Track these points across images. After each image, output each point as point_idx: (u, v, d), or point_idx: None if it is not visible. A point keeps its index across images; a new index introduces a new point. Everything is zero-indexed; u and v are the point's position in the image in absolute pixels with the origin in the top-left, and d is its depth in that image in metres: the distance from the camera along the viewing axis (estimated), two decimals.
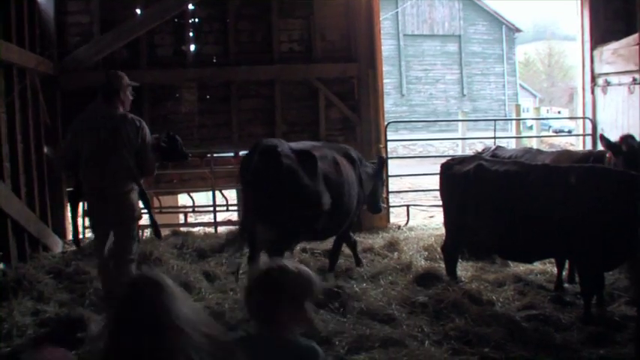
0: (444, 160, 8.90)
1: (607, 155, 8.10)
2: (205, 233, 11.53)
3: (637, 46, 11.28)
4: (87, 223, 12.11)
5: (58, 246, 10.39)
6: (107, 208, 6.93)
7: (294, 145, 7.85)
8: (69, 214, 11.88)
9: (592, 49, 13.21)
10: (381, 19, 12.98)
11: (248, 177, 7.27)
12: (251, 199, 7.37)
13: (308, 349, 3.19)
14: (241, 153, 12.90)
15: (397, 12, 41.46)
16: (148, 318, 2.41)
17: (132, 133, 6.94)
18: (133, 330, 2.40)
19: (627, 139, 7.96)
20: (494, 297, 7.31)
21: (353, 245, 9.02)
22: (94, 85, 11.49)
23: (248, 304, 3.25)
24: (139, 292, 2.50)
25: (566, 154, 9.15)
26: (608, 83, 12.81)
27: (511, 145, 25.41)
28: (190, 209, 12.88)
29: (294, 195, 7.21)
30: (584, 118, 13.74)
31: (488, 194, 7.30)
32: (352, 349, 5.82)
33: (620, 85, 12.38)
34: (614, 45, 12.53)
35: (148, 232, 12.05)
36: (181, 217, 13.20)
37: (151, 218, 7.52)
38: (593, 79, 13.29)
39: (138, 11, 11.76)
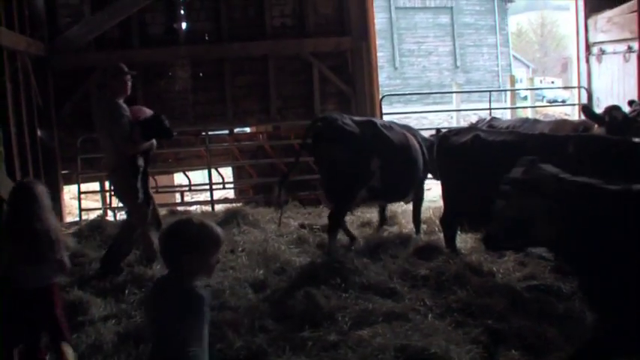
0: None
1: (595, 126, 8.11)
2: (202, 212, 11.49)
3: (632, 14, 11.22)
4: (84, 204, 12.16)
5: None
6: None
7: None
8: (65, 197, 11.87)
9: (586, 17, 13.16)
10: None
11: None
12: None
13: (196, 295, 3.47)
14: (236, 130, 12.87)
15: None
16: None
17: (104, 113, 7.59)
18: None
19: (612, 110, 8.04)
20: (494, 268, 7.28)
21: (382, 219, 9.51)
22: (86, 65, 11.52)
23: (161, 251, 3.64)
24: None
25: (562, 123, 9.13)
26: (602, 52, 12.76)
27: (506, 115, 25.33)
28: (187, 188, 12.83)
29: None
30: (579, 87, 13.72)
31: (486, 165, 7.24)
32: (355, 324, 5.79)
33: (615, 53, 12.34)
34: (608, 13, 12.47)
35: None
36: (177, 196, 13.16)
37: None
38: (588, 47, 13.25)
39: None
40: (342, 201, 8.10)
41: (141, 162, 7.71)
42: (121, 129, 7.41)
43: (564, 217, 4.17)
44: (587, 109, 8.02)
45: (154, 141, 7.85)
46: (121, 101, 7.55)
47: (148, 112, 7.93)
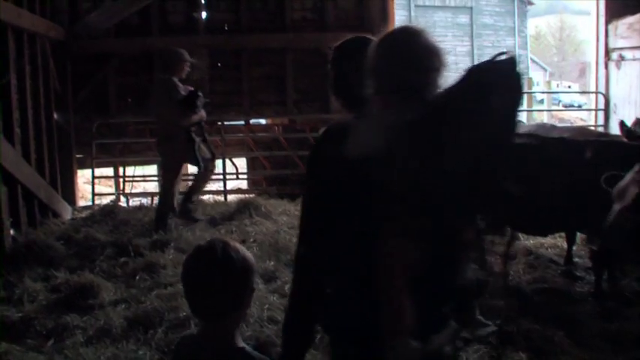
0: None
1: None
2: (215, 201, 11.52)
3: None
4: (97, 189, 12.21)
5: (67, 212, 10.39)
6: None
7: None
8: (78, 181, 11.93)
9: (607, 22, 13.06)
10: None
11: None
12: None
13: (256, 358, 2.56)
14: (252, 121, 12.88)
15: None
16: None
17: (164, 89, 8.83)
18: None
19: None
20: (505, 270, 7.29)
21: None
22: (105, 51, 11.56)
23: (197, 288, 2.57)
24: None
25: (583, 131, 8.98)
26: (622, 58, 12.68)
27: (521, 118, 25.17)
28: None
29: None
30: (596, 92, 13.64)
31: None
32: None
33: (634, 60, 12.26)
34: (629, 19, 12.38)
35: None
36: (190, 184, 13.17)
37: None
38: (607, 53, 13.16)
39: None
40: None
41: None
42: (177, 103, 8.66)
43: None
44: (624, 124, 7.85)
45: (203, 113, 8.98)
46: (177, 80, 8.81)
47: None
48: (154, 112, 9.31)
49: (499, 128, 2.47)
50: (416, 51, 2.64)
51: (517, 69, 2.46)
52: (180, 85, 8.87)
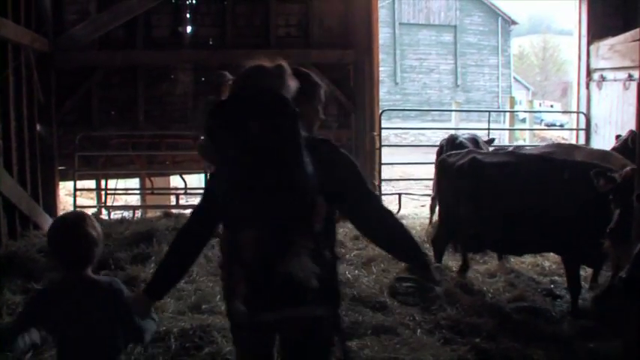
0: (436, 149, 8.95)
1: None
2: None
3: (634, 43, 11.29)
4: (79, 202, 12.16)
5: (48, 224, 10.29)
6: None
7: None
8: (60, 193, 11.87)
9: (589, 43, 13.25)
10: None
11: None
12: None
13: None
14: None
15: (394, 0, 41.39)
16: None
17: None
18: None
19: None
20: (485, 288, 7.33)
21: None
22: (89, 64, 11.55)
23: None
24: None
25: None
26: (603, 78, 12.84)
27: (504, 137, 25.36)
28: (182, 191, 12.84)
29: None
30: (578, 112, 13.78)
31: (483, 188, 7.25)
32: None
33: (615, 80, 12.41)
34: (611, 40, 12.55)
35: (139, 213, 12.08)
36: (173, 199, 13.16)
37: None
38: (589, 73, 13.33)
39: None
40: None
41: None
42: None
43: None
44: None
45: None
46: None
47: None
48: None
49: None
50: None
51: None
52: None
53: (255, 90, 3.30)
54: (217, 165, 3.53)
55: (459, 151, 8.19)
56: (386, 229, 3.47)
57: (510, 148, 10.49)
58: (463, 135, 10.05)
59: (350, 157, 3.47)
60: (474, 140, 9.81)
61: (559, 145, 9.28)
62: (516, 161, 7.29)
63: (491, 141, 10.60)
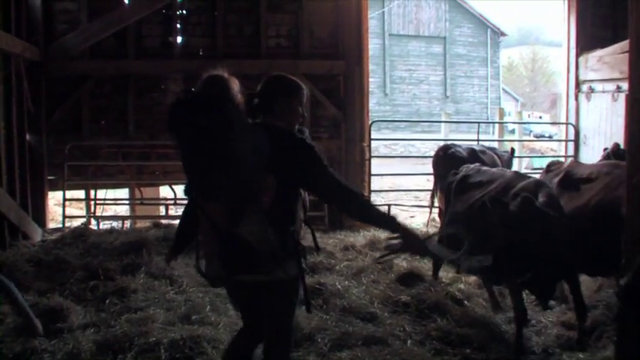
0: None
1: None
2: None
3: (623, 55, 11.34)
4: (68, 212, 12.13)
5: (37, 234, 10.30)
6: None
7: None
8: (49, 203, 11.84)
9: (577, 55, 13.31)
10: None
11: None
12: None
13: None
14: None
15: (383, 11, 41.55)
16: None
17: None
18: None
19: None
20: (475, 298, 7.34)
21: None
22: (79, 73, 11.53)
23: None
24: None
25: None
26: (592, 90, 12.90)
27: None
28: (172, 201, 12.82)
29: None
30: (567, 123, 13.83)
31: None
32: (335, 346, 5.81)
33: (604, 92, 12.47)
34: (599, 52, 12.62)
35: (128, 223, 12.05)
36: (162, 209, 13.14)
37: None
38: (578, 85, 13.39)
39: (126, 0, 11.72)
40: None
41: None
42: None
43: None
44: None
45: None
46: None
47: None
48: None
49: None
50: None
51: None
52: None
53: (201, 93, 4.21)
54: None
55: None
56: (349, 210, 4.02)
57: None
58: (461, 146, 10.07)
59: (310, 144, 3.87)
60: (472, 151, 9.80)
61: (617, 166, 7.13)
62: (489, 178, 7.06)
63: (512, 152, 10.81)
